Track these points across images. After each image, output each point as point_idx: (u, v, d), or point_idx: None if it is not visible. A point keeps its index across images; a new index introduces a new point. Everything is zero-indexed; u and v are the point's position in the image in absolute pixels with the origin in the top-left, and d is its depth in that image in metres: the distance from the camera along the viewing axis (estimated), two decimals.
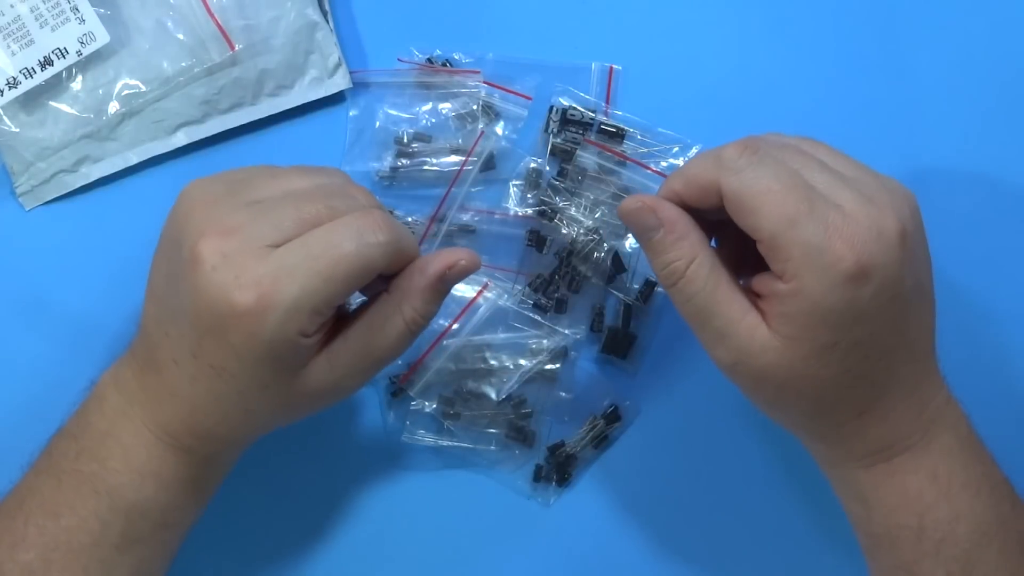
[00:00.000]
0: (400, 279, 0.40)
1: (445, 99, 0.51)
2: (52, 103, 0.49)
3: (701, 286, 0.38)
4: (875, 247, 0.35)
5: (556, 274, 0.49)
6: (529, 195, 0.50)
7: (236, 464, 0.46)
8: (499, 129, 0.51)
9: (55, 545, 0.39)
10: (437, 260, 0.39)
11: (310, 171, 0.41)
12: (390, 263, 0.38)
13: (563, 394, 0.50)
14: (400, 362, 0.50)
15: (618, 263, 0.49)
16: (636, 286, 0.50)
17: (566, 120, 0.50)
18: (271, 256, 0.36)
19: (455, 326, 0.49)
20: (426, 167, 0.50)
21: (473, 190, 0.50)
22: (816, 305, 0.35)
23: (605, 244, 0.49)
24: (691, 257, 0.38)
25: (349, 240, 0.37)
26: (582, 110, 0.50)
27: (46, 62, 0.47)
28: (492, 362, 0.49)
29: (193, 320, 0.37)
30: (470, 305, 0.49)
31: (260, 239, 0.36)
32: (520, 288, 0.50)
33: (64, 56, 0.47)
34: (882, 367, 0.38)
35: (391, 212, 0.50)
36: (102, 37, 0.48)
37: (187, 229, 0.37)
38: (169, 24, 0.49)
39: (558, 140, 0.50)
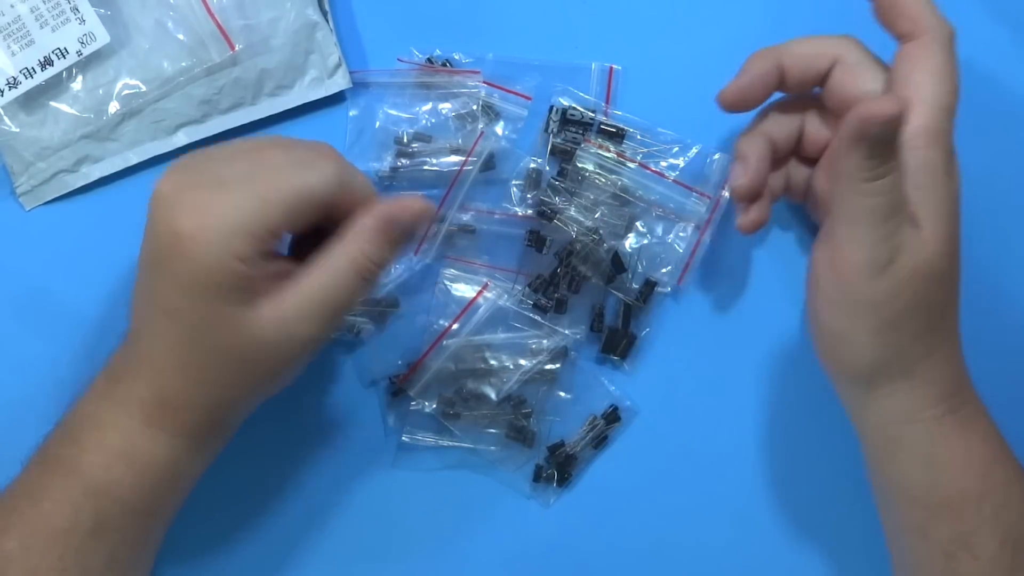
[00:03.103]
0: (349, 220, 0.40)
1: (445, 99, 0.51)
2: (52, 103, 0.49)
3: (900, 181, 0.38)
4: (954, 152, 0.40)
5: (556, 274, 0.49)
6: (529, 195, 0.50)
7: (233, 464, 0.46)
8: (499, 129, 0.51)
9: (33, 531, 0.39)
10: (388, 202, 0.40)
11: (284, 136, 0.44)
12: (337, 199, 0.39)
13: (563, 394, 0.50)
14: (400, 362, 0.50)
15: (618, 263, 0.49)
16: (636, 286, 0.50)
17: (566, 120, 0.50)
18: (218, 186, 0.38)
19: (455, 326, 0.49)
20: (426, 167, 0.50)
21: (473, 190, 0.50)
22: (939, 178, 0.39)
23: (605, 244, 0.49)
24: (898, 156, 0.39)
25: (292, 166, 0.38)
26: (582, 110, 0.50)
27: (46, 62, 0.47)
28: (492, 362, 0.49)
29: (147, 259, 0.38)
30: (470, 305, 0.49)
31: (212, 175, 0.38)
32: (520, 288, 0.50)
33: (64, 56, 0.47)
34: (958, 289, 0.41)
35: None
36: (102, 37, 0.48)
37: (158, 181, 0.39)
38: (169, 24, 0.49)
39: (558, 140, 0.50)
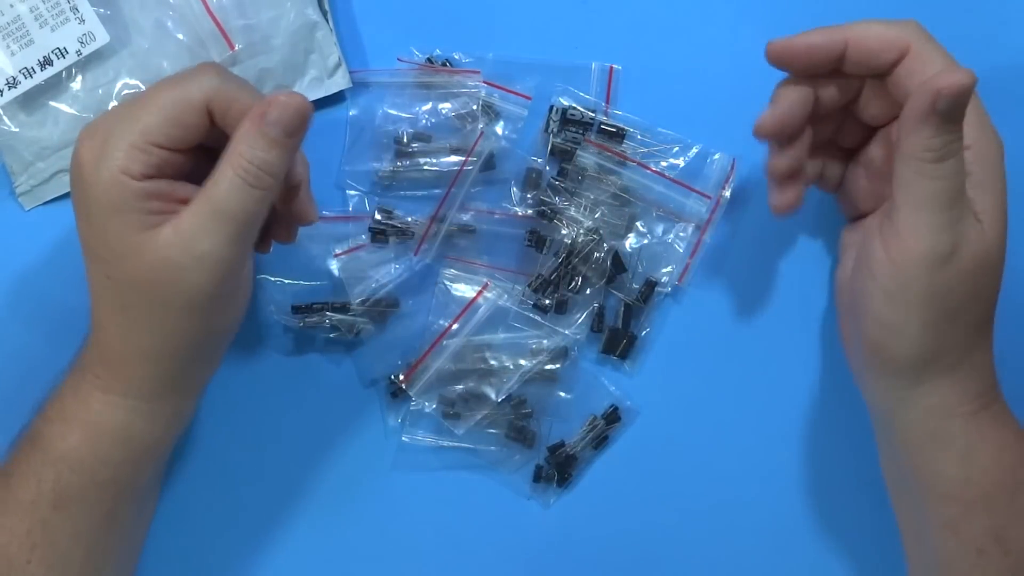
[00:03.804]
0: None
1: (445, 99, 0.51)
2: (52, 103, 0.49)
3: (963, 166, 0.38)
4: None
5: (556, 274, 0.49)
6: (529, 195, 0.50)
7: (233, 463, 0.46)
8: (499, 129, 0.50)
9: (5, 508, 0.40)
10: (261, 101, 0.39)
11: None
12: (219, 106, 0.39)
13: (563, 394, 0.50)
14: (400, 362, 0.50)
15: (618, 263, 0.49)
16: (636, 286, 0.50)
17: (566, 120, 0.50)
18: (105, 114, 0.39)
19: (455, 326, 0.49)
20: (426, 167, 0.50)
21: (473, 190, 0.50)
22: (998, 171, 0.40)
23: (605, 244, 0.49)
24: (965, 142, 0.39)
25: (168, 81, 0.39)
26: (582, 110, 0.50)
27: (46, 62, 0.47)
28: (492, 362, 0.49)
29: (72, 198, 0.40)
30: (470, 305, 0.49)
31: (116, 110, 0.40)
32: (520, 288, 0.50)
33: (64, 56, 0.47)
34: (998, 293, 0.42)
35: (390, 212, 0.50)
36: (102, 37, 0.47)
37: None
38: (169, 24, 0.49)
39: (558, 140, 0.50)
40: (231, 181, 0.38)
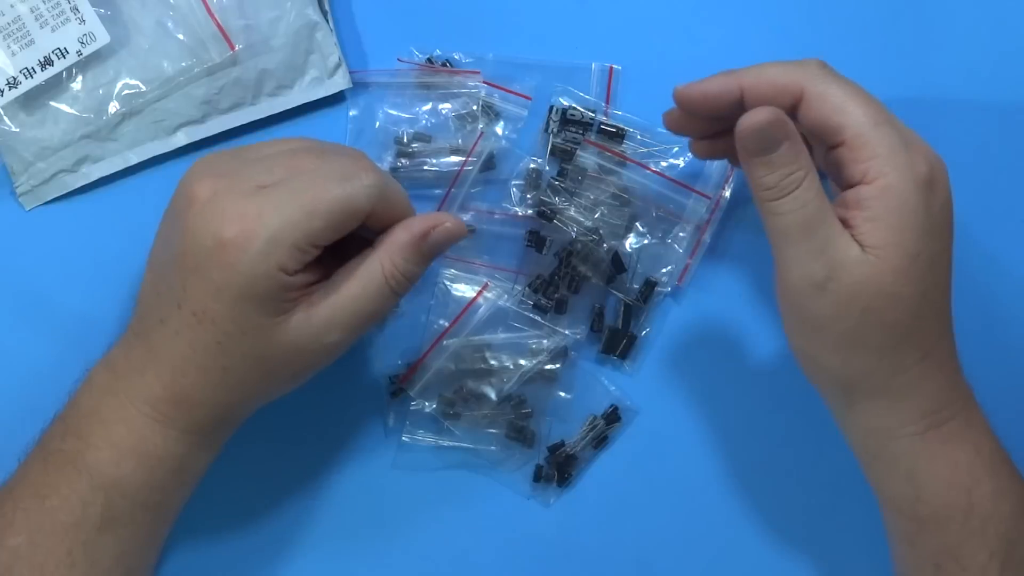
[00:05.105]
0: (385, 234, 0.41)
1: (445, 99, 0.51)
2: (52, 103, 0.49)
3: (814, 195, 0.38)
4: (939, 167, 0.39)
5: (556, 274, 0.49)
6: (529, 195, 0.50)
7: (233, 463, 0.46)
8: (499, 129, 0.51)
9: (39, 527, 0.39)
10: (423, 218, 0.41)
11: (314, 140, 0.43)
12: (375, 210, 0.39)
13: (563, 394, 0.50)
14: (400, 362, 0.50)
15: (618, 263, 0.49)
16: (636, 286, 0.50)
17: (566, 120, 0.50)
18: (259, 193, 0.37)
19: (455, 326, 0.49)
20: (426, 167, 0.50)
21: (473, 190, 0.50)
22: (902, 204, 0.37)
23: (605, 244, 0.49)
24: (808, 167, 0.38)
25: (333, 178, 0.38)
26: (582, 110, 0.50)
27: (46, 62, 0.47)
28: (492, 362, 0.49)
29: (180, 262, 0.38)
30: (470, 305, 0.49)
31: (251, 180, 0.38)
32: (520, 288, 0.50)
33: (64, 56, 0.47)
34: (943, 303, 0.40)
35: None
36: (102, 37, 0.48)
37: (186, 180, 0.39)
38: (169, 24, 0.49)
39: (558, 140, 0.50)
40: (379, 288, 0.40)
